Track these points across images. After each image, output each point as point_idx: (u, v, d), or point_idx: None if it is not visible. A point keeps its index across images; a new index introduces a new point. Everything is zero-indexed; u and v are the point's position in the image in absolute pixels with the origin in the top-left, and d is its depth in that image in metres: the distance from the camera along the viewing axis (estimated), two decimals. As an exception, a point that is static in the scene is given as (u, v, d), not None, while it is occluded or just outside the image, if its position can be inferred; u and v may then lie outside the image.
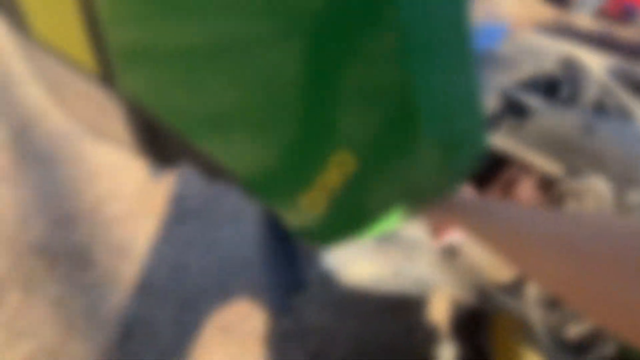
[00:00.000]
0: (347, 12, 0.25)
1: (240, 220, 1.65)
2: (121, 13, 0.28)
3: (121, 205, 1.59)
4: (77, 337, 1.20)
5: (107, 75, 0.32)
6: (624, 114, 0.59)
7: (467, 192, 0.50)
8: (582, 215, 0.31)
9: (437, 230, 0.52)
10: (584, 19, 4.81)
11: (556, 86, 0.67)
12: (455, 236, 0.51)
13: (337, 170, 0.34)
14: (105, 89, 0.34)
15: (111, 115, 0.38)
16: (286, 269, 0.48)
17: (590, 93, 0.63)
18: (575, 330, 0.92)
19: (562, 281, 0.28)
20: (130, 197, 1.63)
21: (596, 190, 0.50)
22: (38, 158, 1.70)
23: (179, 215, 1.60)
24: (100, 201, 1.58)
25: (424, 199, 0.40)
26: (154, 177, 1.74)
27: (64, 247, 1.41)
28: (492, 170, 0.67)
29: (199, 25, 0.27)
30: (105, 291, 1.32)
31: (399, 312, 1.47)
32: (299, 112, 0.32)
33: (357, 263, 0.91)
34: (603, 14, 4.58)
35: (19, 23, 0.33)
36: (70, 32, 0.30)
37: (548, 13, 4.90)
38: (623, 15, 3.97)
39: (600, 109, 0.63)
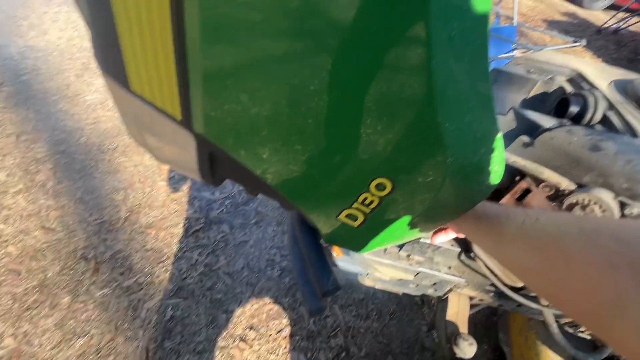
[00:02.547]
0: (383, 55, 0.31)
1: (263, 224, 1.74)
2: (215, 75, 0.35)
3: (154, 213, 1.70)
4: (122, 336, 1.31)
5: (188, 121, 0.40)
6: (629, 131, 0.64)
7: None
8: (543, 213, 0.36)
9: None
10: (596, 13, 4.70)
11: (566, 103, 0.72)
12: (446, 238, 0.57)
13: (375, 192, 0.41)
14: (184, 130, 0.42)
15: (183, 148, 0.46)
16: (320, 270, 0.55)
17: (598, 110, 0.68)
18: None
19: (523, 267, 0.34)
20: (162, 206, 1.74)
21: (602, 202, 0.55)
22: (77, 171, 1.84)
23: (207, 221, 1.71)
24: (135, 210, 1.70)
25: (446, 217, 0.47)
26: (182, 187, 1.85)
27: (106, 253, 1.53)
28: (505, 182, 0.72)
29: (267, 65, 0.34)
30: (144, 294, 1.43)
31: (420, 311, 1.53)
32: (345, 142, 0.38)
33: (381, 266, 0.98)
34: (616, 6, 4.46)
35: (120, 74, 0.41)
36: (163, 87, 0.39)
37: (562, 7, 4.81)
38: (637, 9, 3.88)
39: (608, 125, 0.68)
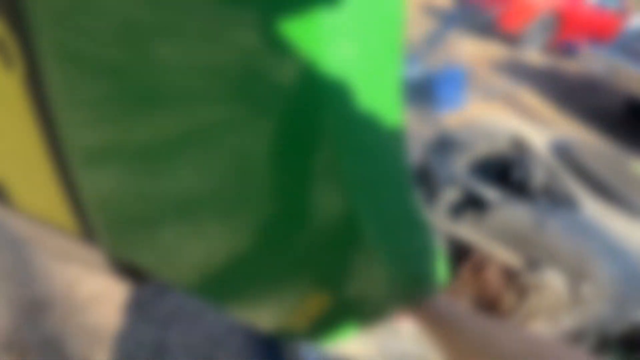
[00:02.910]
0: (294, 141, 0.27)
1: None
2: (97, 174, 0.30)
3: (95, 285, 1.52)
4: None
5: (86, 233, 0.34)
6: (570, 201, 0.65)
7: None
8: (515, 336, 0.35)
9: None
10: (532, 55, 5.26)
11: (508, 167, 0.73)
12: (405, 324, 0.53)
13: (313, 303, 0.37)
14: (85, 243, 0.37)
15: (90, 257, 0.39)
16: (270, 355, 0.50)
17: (538, 176, 0.69)
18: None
19: None
20: (103, 275, 1.57)
21: (551, 285, 0.53)
22: (3, 241, 1.63)
23: (157, 290, 1.55)
24: (72, 283, 1.51)
25: (392, 312, 0.43)
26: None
27: (34, 337, 1.32)
28: (459, 257, 0.70)
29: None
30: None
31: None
32: (273, 254, 0.34)
33: (344, 343, 0.90)
34: (548, 49, 5.03)
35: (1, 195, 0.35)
36: (49, 199, 0.33)
37: (501, 52, 5.34)
38: (565, 51, 4.40)
39: (550, 194, 0.68)
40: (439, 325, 0.40)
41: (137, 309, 1.47)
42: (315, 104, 0.24)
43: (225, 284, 0.36)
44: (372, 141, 0.29)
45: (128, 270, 0.47)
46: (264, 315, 0.40)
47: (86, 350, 1.32)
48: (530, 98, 4.00)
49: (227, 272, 0.34)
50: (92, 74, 0.27)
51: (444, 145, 0.83)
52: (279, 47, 0.21)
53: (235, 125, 0.25)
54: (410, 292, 0.39)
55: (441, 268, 0.41)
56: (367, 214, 0.29)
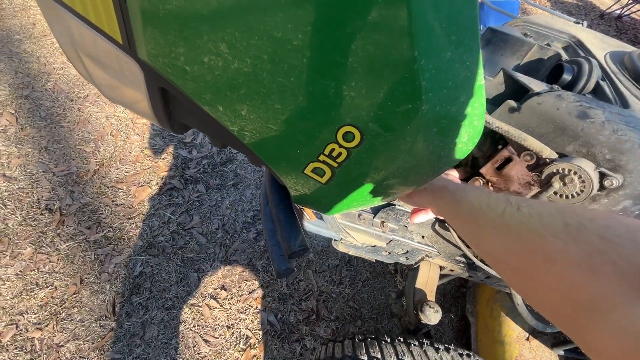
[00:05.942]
0: None
1: (242, 187, 1.69)
2: None
3: (126, 168, 1.62)
4: (87, 289, 1.28)
5: (130, 44, 0.34)
6: (621, 101, 0.61)
7: (445, 175, 0.53)
8: (525, 201, 0.34)
9: (412, 210, 0.56)
10: (604, -7, 4.58)
11: (560, 70, 0.68)
12: (426, 218, 0.55)
13: (343, 143, 0.37)
14: (127, 56, 0.37)
15: (131, 82, 0.40)
16: (288, 231, 0.52)
17: (592, 79, 0.64)
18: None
19: (504, 263, 0.32)
20: (135, 161, 1.66)
21: (582, 172, 0.53)
22: (42, 118, 1.71)
23: (182, 180, 1.64)
24: (105, 163, 1.62)
25: (419, 178, 0.43)
26: (158, 142, 1.76)
27: (72, 206, 1.46)
28: (487, 150, 0.69)
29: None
30: (113, 249, 1.38)
31: (393, 279, 1.55)
32: (308, 85, 0.33)
33: (354, 232, 0.96)
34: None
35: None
36: (99, 6, 0.33)
37: (568, -16, 4.66)
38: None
39: (600, 94, 0.64)
40: (467, 213, 0.39)
41: (163, 194, 1.58)
42: None
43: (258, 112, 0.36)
44: None
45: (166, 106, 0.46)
46: (292, 159, 0.41)
47: (117, 221, 1.46)
48: None
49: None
50: None
51: (490, 39, 0.76)
52: None
53: None
54: (442, 148, 0.38)
55: (476, 131, 0.40)
56: (422, 31, 0.28)
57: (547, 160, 0.57)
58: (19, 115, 1.69)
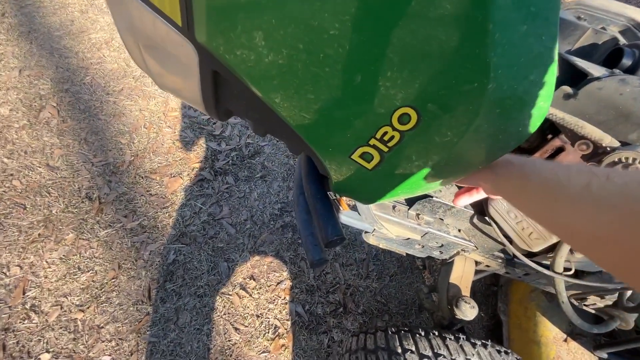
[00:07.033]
0: None
1: (269, 179, 1.71)
2: None
3: (159, 159, 1.68)
4: (125, 274, 1.33)
5: (189, 26, 0.35)
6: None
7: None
8: (615, 171, 0.29)
9: (456, 193, 0.53)
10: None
11: (619, 54, 0.64)
12: (470, 200, 0.52)
13: (397, 126, 0.35)
14: (184, 39, 0.37)
15: (184, 66, 0.41)
16: (324, 220, 0.52)
17: (654, 62, 0.60)
18: (596, 302, 0.94)
19: (594, 237, 0.28)
20: (167, 152, 1.71)
21: (646, 161, 0.49)
22: (81, 110, 1.79)
23: (211, 171, 1.68)
24: (140, 155, 1.67)
25: (473, 164, 0.41)
26: (188, 134, 1.80)
27: (110, 195, 1.52)
28: (534, 140, 0.66)
29: None
30: (148, 237, 1.43)
31: (421, 274, 1.53)
32: (369, 64, 0.32)
33: (388, 223, 0.95)
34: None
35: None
36: None
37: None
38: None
39: (664, 79, 0.60)
40: (539, 188, 0.35)
41: (194, 185, 1.62)
42: None
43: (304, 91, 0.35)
44: None
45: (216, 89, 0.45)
46: (341, 142, 0.40)
47: (152, 210, 1.51)
48: None
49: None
50: None
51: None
52: None
53: None
54: (502, 131, 0.36)
55: (541, 113, 0.37)
56: (491, 27, 0.27)
57: (608, 148, 0.54)
58: (60, 108, 1.77)
